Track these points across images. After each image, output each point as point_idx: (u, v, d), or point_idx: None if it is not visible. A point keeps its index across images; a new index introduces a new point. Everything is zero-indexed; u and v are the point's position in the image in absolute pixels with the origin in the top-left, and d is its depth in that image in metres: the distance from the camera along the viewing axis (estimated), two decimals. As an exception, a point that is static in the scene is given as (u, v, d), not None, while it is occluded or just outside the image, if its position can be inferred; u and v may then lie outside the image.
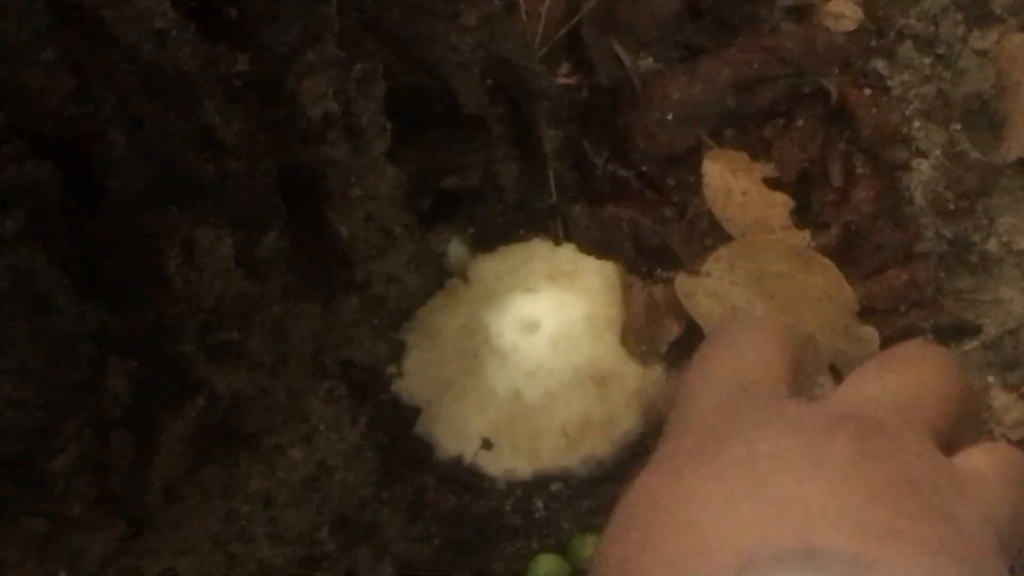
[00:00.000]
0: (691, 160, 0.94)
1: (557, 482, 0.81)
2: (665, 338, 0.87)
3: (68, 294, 0.68)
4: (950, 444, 0.63)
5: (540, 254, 0.89)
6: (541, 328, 0.84)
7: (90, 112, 0.69)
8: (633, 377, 0.85)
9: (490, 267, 0.89)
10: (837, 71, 0.97)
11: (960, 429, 0.65)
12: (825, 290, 0.85)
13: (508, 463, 0.82)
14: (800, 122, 0.95)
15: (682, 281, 0.88)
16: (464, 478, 0.81)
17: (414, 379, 0.85)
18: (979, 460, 0.63)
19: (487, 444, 0.81)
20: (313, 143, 0.80)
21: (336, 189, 0.81)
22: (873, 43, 0.98)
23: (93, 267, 0.71)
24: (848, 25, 0.98)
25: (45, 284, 0.67)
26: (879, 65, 0.98)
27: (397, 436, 0.85)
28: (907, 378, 0.64)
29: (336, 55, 0.80)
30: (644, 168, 0.93)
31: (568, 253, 0.89)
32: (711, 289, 0.87)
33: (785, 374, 0.65)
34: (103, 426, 0.70)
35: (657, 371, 0.86)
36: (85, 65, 0.70)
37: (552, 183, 0.92)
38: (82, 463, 0.68)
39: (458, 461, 0.81)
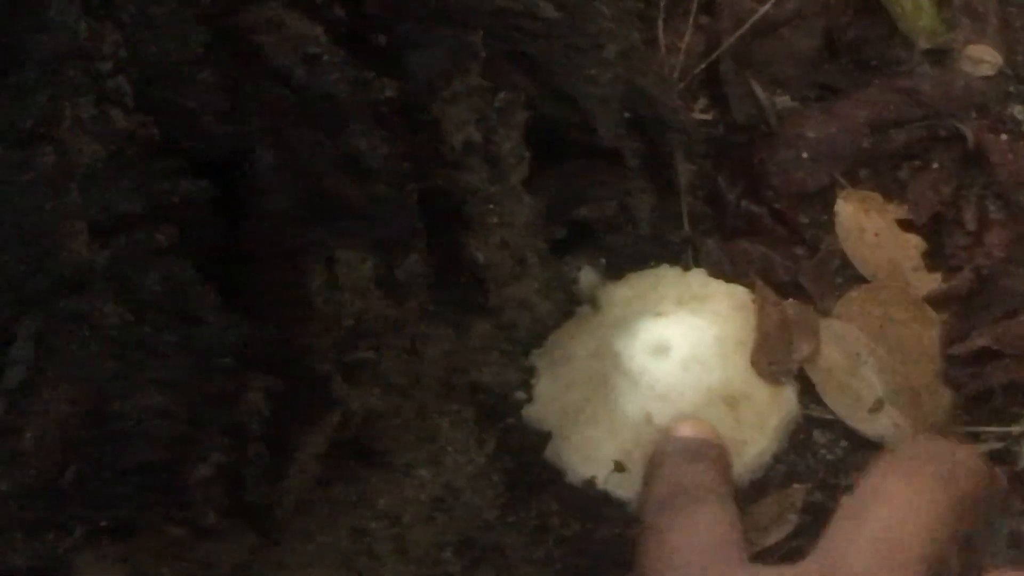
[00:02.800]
0: (824, 199, 0.95)
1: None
2: (797, 357, 0.87)
3: (214, 308, 0.70)
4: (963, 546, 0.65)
5: (669, 279, 0.89)
6: (672, 351, 0.85)
7: (242, 132, 0.71)
8: (763, 399, 0.85)
9: (620, 293, 0.89)
10: (974, 115, 0.96)
11: (969, 528, 0.67)
12: (928, 347, 0.85)
13: (640, 486, 0.81)
14: (935, 165, 0.95)
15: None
16: (594, 503, 0.82)
17: (544, 404, 0.86)
18: None
19: (619, 467, 0.81)
20: (454, 169, 0.81)
21: (474, 215, 0.82)
22: (1011, 88, 0.98)
23: (238, 283, 0.72)
24: (987, 70, 0.98)
25: (193, 297, 0.69)
26: (1016, 111, 0.97)
27: (522, 461, 0.86)
28: (890, 516, 0.66)
29: (480, 84, 0.82)
30: (777, 205, 0.94)
31: (698, 277, 0.89)
32: (838, 333, 0.87)
33: (738, 541, 0.70)
34: (241, 439, 0.71)
35: (787, 392, 0.85)
36: (239, 86, 0.72)
37: (685, 217, 0.92)
38: (220, 474, 0.69)
39: (591, 485, 0.81)
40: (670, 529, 0.72)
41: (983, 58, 0.97)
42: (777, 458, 0.84)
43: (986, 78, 0.97)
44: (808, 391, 0.86)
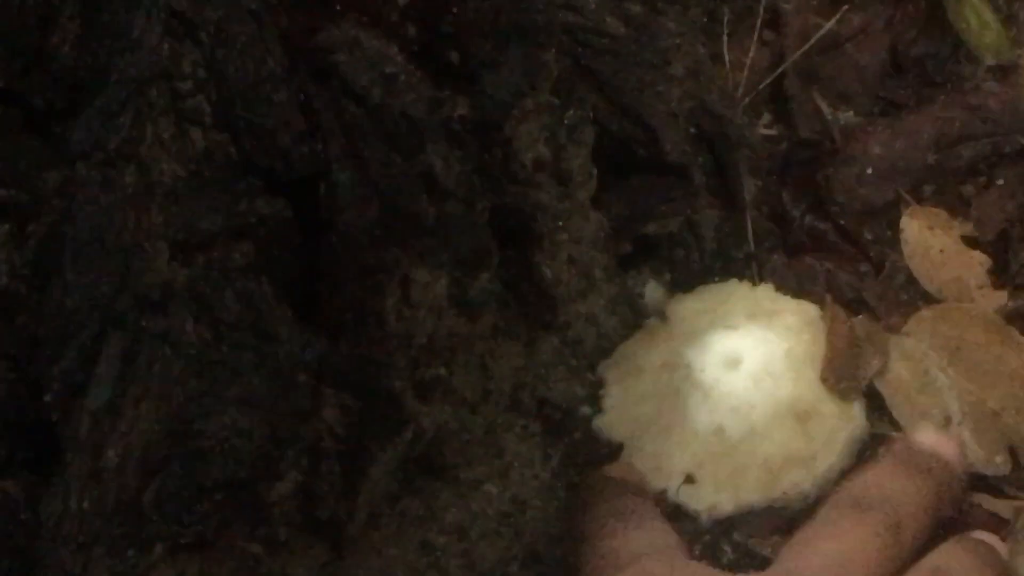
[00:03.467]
0: (889, 215, 0.95)
1: (757, 517, 0.82)
2: (866, 373, 0.87)
3: (291, 325, 0.70)
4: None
5: (739, 293, 0.90)
6: (743, 364, 0.85)
7: (319, 151, 0.72)
8: (832, 414, 0.84)
9: (689, 305, 0.90)
10: (1039, 131, 0.96)
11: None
12: (1018, 368, 0.85)
13: (711, 498, 0.82)
14: (1000, 181, 0.95)
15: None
16: (667, 514, 0.82)
17: (615, 415, 0.86)
18: None
19: (690, 479, 0.82)
20: (524, 187, 0.81)
21: (544, 232, 0.83)
22: (1076, 103, 0.98)
23: (314, 301, 0.73)
24: (1052, 85, 0.98)
25: (270, 315, 0.70)
26: (1082, 127, 0.97)
27: (588, 475, 0.86)
28: (845, 544, 0.72)
29: (550, 101, 0.82)
30: (842, 221, 0.94)
31: (767, 292, 0.90)
32: (908, 351, 0.87)
33: (678, 543, 0.76)
34: (315, 455, 0.71)
35: (855, 408, 0.85)
36: (316, 106, 0.72)
37: (749, 232, 0.93)
38: (297, 491, 0.69)
39: (662, 496, 0.82)
40: (620, 531, 0.77)
41: (1048, 73, 0.97)
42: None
43: (1051, 93, 0.96)
44: (877, 408, 0.86)
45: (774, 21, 1.00)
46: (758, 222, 0.92)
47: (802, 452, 0.83)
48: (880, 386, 0.86)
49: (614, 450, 0.85)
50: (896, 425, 0.85)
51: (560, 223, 0.84)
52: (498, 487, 0.83)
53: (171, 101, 0.68)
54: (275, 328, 0.69)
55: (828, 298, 0.88)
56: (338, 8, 0.75)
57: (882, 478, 0.78)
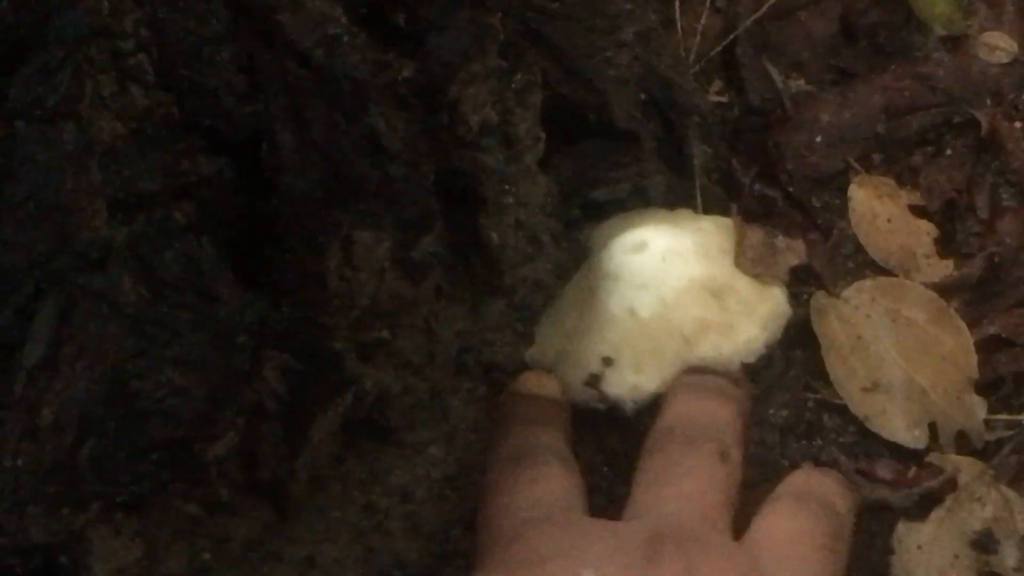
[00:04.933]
0: (838, 183, 0.95)
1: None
2: (784, 264, 0.88)
3: (232, 286, 0.70)
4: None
5: (656, 213, 0.89)
6: (649, 247, 0.85)
7: (262, 112, 0.72)
8: (750, 291, 0.85)
9: (607, 225, 0.89)
10: (989, 102, 0.97)
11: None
12: (952, 350, 0.86)
13: (631, 379, 0.82)
14: (949, 151, 0.95)
15: (819, 299, 0.89)
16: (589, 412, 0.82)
17: (541, 342, 0.87)
18: (767, 530, 0.74)
19: (607, 362, 0.82)
20: (470, 150, 0.81)
21: (490, 196, 0.83)
22: (1027, 75, 0.98)
23: (256, 262, 0.73)
24: (1002, 57, 0.98)
25: (211, 275, 0.69)
26: (1031, 98, 0.98)
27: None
28: (700, 485, 0.74)
29: (498, 65, 0.82)
30: (791, 189, 0.94)
31: (684, 212, 0.90)
32: (845, 315, 0.88)
33: (582, 494, 0.76)
34: (256, 416, 0.71)
35: (775, 290, 0.86)
36: (259, 66, 0.72)
37: (699, 199, 0.93)
38: (236, 452, 0.69)
39: (588, 389, 0.82)
40: (514, 487, 0.76)
41: (999, 45, 0.97)
42: (782, 428, 0.83)
43: (1002, 65, 0.97)
44: (819, 375, 0.86)
45: (727, -12, 1.00)
46: (707, 188, 0.93)
47: (719, 320, 0.83)
48: (821, 339, 0.86)
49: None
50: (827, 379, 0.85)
51: (507, 187, 0.84)
52: (443, 450, 0.84)
53: (112, 59, 0.68)
54: (216, 288, 0.69)
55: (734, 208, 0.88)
56: (284, -32, 0.75)
57: (697, 407, 0.78)
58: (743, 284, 0.85)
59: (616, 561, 0.68)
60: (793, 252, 0.86)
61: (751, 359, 0.84)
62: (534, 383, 0.82)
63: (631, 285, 0.84)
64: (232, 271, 0.71)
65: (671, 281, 0.83)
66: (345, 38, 0.73)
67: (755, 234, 0.86)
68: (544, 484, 0.77)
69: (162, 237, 0.69)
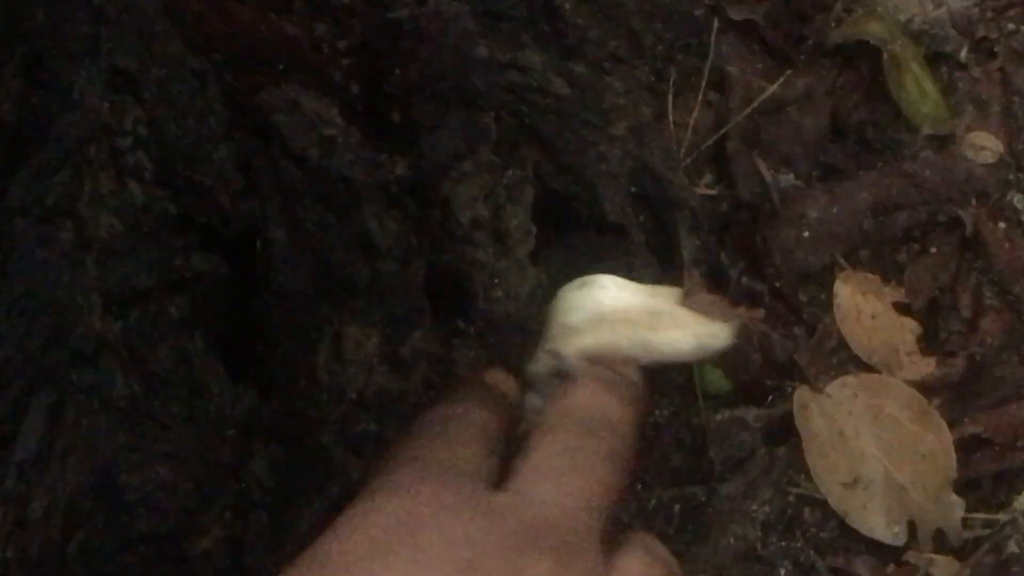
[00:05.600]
0: (824, 279, 0.97)
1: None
2: (734, 314, 0.84)
3: (222, 380, 0.71)
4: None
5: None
6: (593, 283, 0.83)
7: (256, 210, 0.73)
8: (690, 316, 0.82)
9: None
10: (974, 202, 0.98)
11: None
12: (932, 448, 0.87)
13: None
14: (934, 250, 0.97)
15: (802, 394, 0.90)
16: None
17: None
18: (630, 566, 0.70)
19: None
20: (461, 245, 0.82)
21: (479, 290, 0.84)
22: (1011, 177, 1.00)
23: (247, 356, 0.74)
24: (988, 157, 1.00)
25: (201, 369, 0.71)
26: (1016, 199, 0.99)
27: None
28: (588, 483, 0.71)
29: (490, 161, 0.83)
30: (778, 283, 0.95)
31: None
32: (827, 410, 0.89)
33: (487, 466, 0.73)
34: (243, 507, 0.72)
35: (718, 325, 0.82)
36: (254, 165, 0.74)
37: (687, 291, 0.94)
38: (222, 545, 0.70)
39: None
40: (425, 439, 0.74)
41: (985, 145, 0.99)
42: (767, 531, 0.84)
43: (987, 166, 0.99)
44: (801, 469, 0.88)
45: (719, 83, 1.01)
46: (695, 281, 0.93)
47: (645, 333, 0.81)
48: (802, 431, 0.87)
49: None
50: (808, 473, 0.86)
51: (496, 280, 0.85)
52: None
53: (111, 156, 0.69)
54: (207, 382, 0.71)
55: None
56: (281, 68, 0.76)
57: (601, 400, 0.77)
58: (684, 312, 0.83)
59: (488, 542, 0.68)
60: (742, 313, 0.87)
61: (672, 358, 0.81)
62: (495, 377, 0.82)
63: (564, 315, 0.83)
64: (223, 365, 0.72)
65: (609, 303, 0.82)
66: (340, 139, 0.74)
67: (707, 295, 0.87)
68: (457, 446, 0.74)
69: (155, 332, 0.70)
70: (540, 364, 0.81)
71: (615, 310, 0.81)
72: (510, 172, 0.85)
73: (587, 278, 0.83)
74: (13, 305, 0.66)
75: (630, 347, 0.79)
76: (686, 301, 0.81)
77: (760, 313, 0.85)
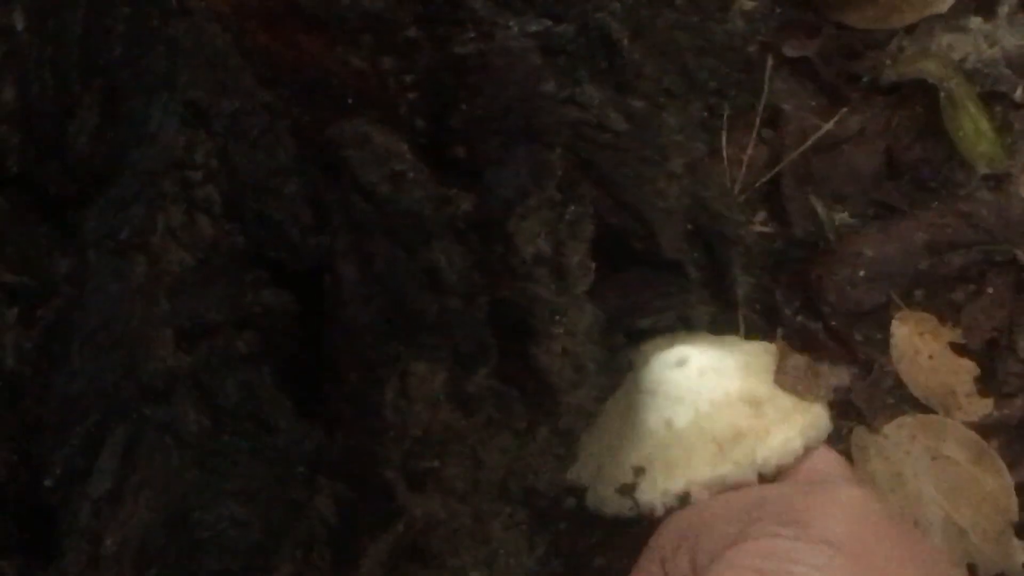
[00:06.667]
0: (880, 318, 0.96)
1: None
2: (826, 385, 0.86)
3: (289, 416, 0.71)
4: None
5: (701, 335, 0.90)
6: (689, 363, 0.84)
7: (326, 245, 0.73)
8: (790, 404, 0.83)
9: (651, 344, 0.90)
10: (1031, 242, 0.98)
11: None
12: (992, 491, 0.87)
13: (662, 485, 0.81)
14: (990, 290, 0.96)
15: (860, 435, 0.89)
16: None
17: (581, 459, 0.87)
18: None
19: (639, 472, 0.81)
20: (523, 281, 0.82)
21: (540, 326, 0.83)
22: (1067, 217, 0.99)
23: (312, 391, 0.73)
24: (1044, 195, 0.99)
25: (269, 404, 0.70)
26: (1072, 239, 0.99)
27: (571, 564, 0.87)
28: None
29: (552, 197, 0.83)
30: (833, 322, 0.95)
31: (731, 337, 0.90)
32: (885, 451, 0.88)
33: None
34: (308, 543, 0.72)
35: (816, 407, 0.83)
36: (324, 200, 0.73)
37: (742, 329, 0.93)
38: (291, 581, 0.70)
39: (619, 499, 0.82)
40: None
41: (1040, 183, 0.99)
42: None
43: (1043, 204, 0.98)
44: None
45: (773, 120, 1.01)
46: (750, 319, 0.93)
47: (755, 427, 0.81)
48: (858, 472, 0.87)
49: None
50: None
51: (557, 316, 0.85)
52: (483, 574, 0.84)
53: (182, 190, 0.69)
54: (274, 418, 0.70)
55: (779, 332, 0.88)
56: (349, 102, 0.76)
57: None
58: (783, 398, 0.84)
59: None
60: (835, 375, 0.87)
61: (788, 460, 0.81)
62: None
63: (668, 398, 0.84)
64: (291, 401, 0.72)
65: (707, 393, 0.83)
66: (409, 174, 0.74)
67: (797, 357, 0.87)
68: None
69: (224, 367, 0.70)
70: (613, 504, 0.82)
71: (713, 403, 0.80)
72: (571, 208, 0.85)
73: (681, 350, 0.83)
74: (87, 339, 0.65)
75: (738, 475, 0.79)
76: (780, 369, 0.81)
77: (845, 377, 0.84)
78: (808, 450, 0.80)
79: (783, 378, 0.84)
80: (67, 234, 0.68)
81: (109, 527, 0.65)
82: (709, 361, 0.84)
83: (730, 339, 0.89)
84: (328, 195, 0.73)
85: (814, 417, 0.82)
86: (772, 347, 0.87)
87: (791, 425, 0.81)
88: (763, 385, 0.84)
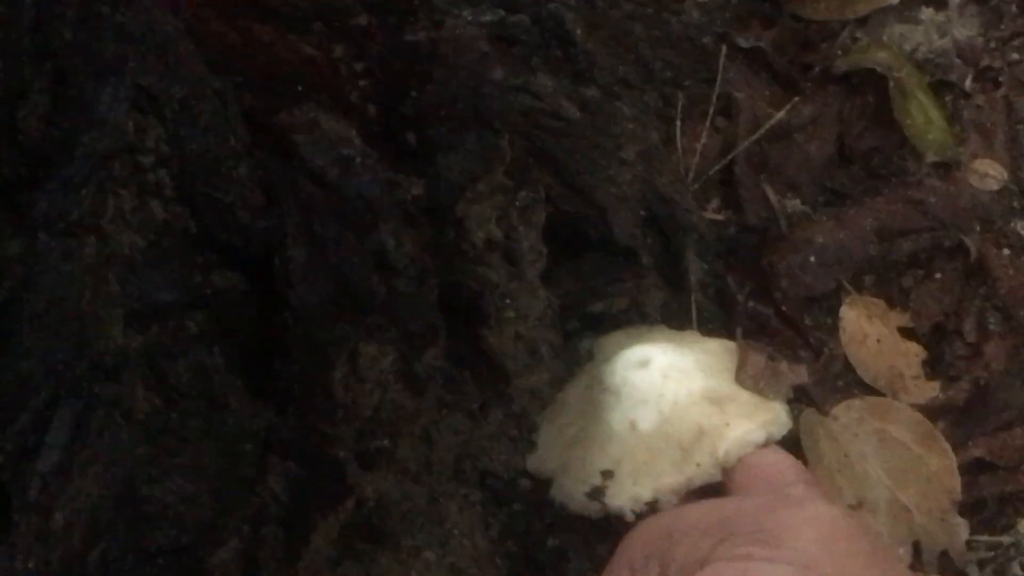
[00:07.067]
0: (830, 303, 0.97)
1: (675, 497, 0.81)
2: (785, 384, 0.86)
3: (241, 395, 0.72)
4: None
5: (662, 333, 0.91)
6: (652, 364, 0.84)
7: (276, 228, 0.74)
8: (751, 401, 0.84)
9: (612, 339, 0.91)
10: (978, 228, 0.99)
11: None
12: (937, 471, 0.88)
13: (630, 490, 0.82)
14: (938, 275, 0.98)
15: (808, 417, 0.91)
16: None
17: (543, 450, 0.88)
18: None
19: (607, 475, 0.82)
20: (474, 265, 0.83)
21: (492, 309, 0.85)
22: (1015, 204, 1.01)
23: (263, 371, 0.75)
24: (992, 184, 1.01)
25: (221, 384, 0.72)
26: (1019, 226, 1.00)
27: (526, 545, 0.88)
28: None
29: (503, 183, 0.84)
30: (784, 307, 0.96)
31: (691, 333, 0.91)
32: (833, 433, 0.90)
33: None
34: (258, 521, 0.73)
35: (777, 405, 0.84)
36: (274, 183, 0.74)
37: (694, 314, 0.95)
38: (239, 557, 0.71)
39: (590, 502, 0.82)
40: None
41: (989, 172, 1.00)
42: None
43: (991, 192, 1.00)
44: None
45: (727, 108, 1.02)
46: (703, 304, 0.95)
47: (714, 423, 0.82)
48: (809, 457, 0.88)
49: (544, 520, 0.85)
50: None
51: (508, 300, 0.86)
52: (437, 554, 0.85)
53: (133, 174, 0.70)
54: (225, 397, 0.71)
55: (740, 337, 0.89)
56: (300, 88, 0.77)
57: None
58: (744, 396, 0.85)
59: None
60: (795, 374, 0.88)
61: (748, 451, 0.82)
62: None
63: (632, 400, 0.84)
64: (242, 380, 0.73)
65: (670, 395, 0.84)
66: (358, 159, 0.75)
67: (758, 355, 0.88)
68: None
69: (175, 347, 0.71)
70: (581, 506, 0.83)
71: (676, 404, 0.82)
72: (523, 194, 0.86)
73: (643, 350, 0.84)
74: (37, 318, 0.66)
75: (703, 475, 0.80)
76: (740, 368, 0.82)
77: (804, 375, 0.85)
78: (769, 442, 0.81)
79: (744, 377, 0.85)
80: (18, 216, 0.68)
81: (58, 502, 0.66)
82: (671, 361, 0.85)
83: (689, 335, 0.91)
84: (278, 179, 0.74)
85: (775, 414, 0.83)
86: (732, 345, 0.88)
87: (751, 420, 0.82)
88: (725, 384, 0.85)
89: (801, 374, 0.87)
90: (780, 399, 0.84)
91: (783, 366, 0.86)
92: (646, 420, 0.83)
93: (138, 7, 0.70)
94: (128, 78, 0.70)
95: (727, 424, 0.81)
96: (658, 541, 0.74)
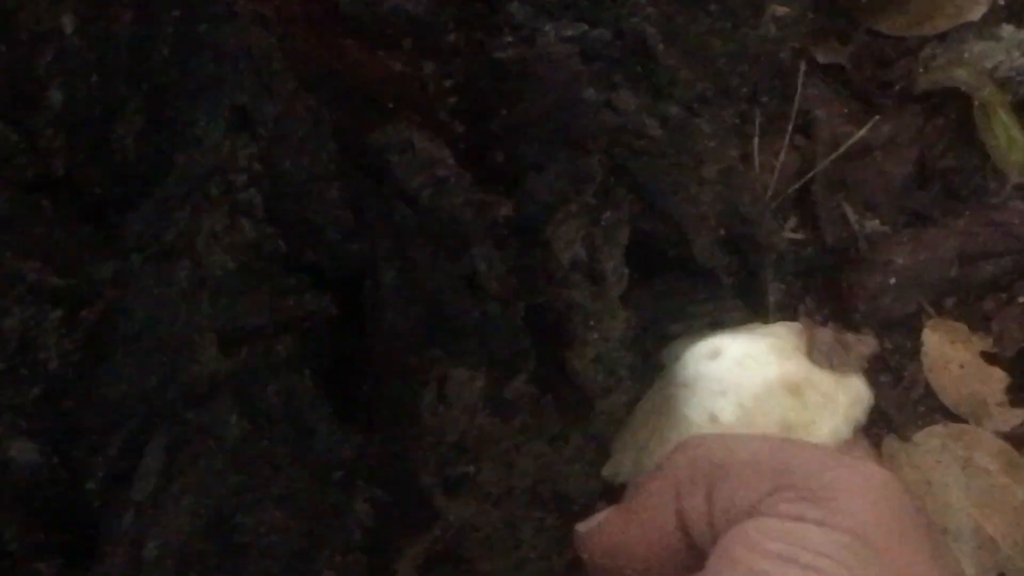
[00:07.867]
0: (910, 326, 0.96)
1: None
2: (857, 355, 0.85)
3: (329, 420, 0.71)
4: None
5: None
6: (724, 353, 0.84)
7: (366, 250, 0.73)
8: (829, 384, 0.82)
9: (680, 342, 0.90)
10: (1062, 252, 0.98)
11: None
12: (1023, 502, 0.87)
13: None
14: (1021, 299, 0.96)
15: (891, 443, 0.89)
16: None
17: (617, 456, 0.86)
18: None
19: None
20: (560, 287, 0.82)
21: (576, 331, 0.83)
22: (1100, 226, 0.99)
23: (351, 395, 0.73)
24: (1076, 207, 0.99)
25: (309, 409, 0.70)
26: (1105, 250, 0.99)
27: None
28: None
29: (590, 203, 0.83)
30: (863, 330, 0.94)
31: (756, 323, 0.89)
32: (916, 460, 0.88)
33: None
34: (345, 550, 0.72)
35: (854, 380, 0.83)
36: (366, 204, 0.73)
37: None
38: (329, 586, 0.70)
39: None
40: None
41: (1073, 194, 0.99)
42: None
43: (1076, 215, 0.98)
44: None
45: (805, 127, 1.01)
46: (809, 321, 0.93)
47: (800, 419, 0.81)
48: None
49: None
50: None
51: (592, 322, 0.84)
52: (513, 579, 0.84)
53: (226, 193, 0.69)
54: (315, 423, 0.70)
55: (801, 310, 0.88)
56: (390, 106, 0.76)
57: None
58: (820, 378, 0.83)
59: None
60: (864, 344, 0.86)
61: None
62: None
63: (709, 392, 0.83)
64: (330, 405, 0.72)
65: (748, 386, 0.82)
66: (452, 180, 0.74)
67: (825, 332, 0.86)
68: None
69: (264, 371, 0.70)
70: None
71: (756, 397, 0.80)
72: (607, 214, 0.85)
73: (713, 342, 0.82)
74: (130, 342, 0.65)
75: None
76: (810, 346, 0.80)
77: (873, 344, 0.83)
78: (856, 432, 0.80)
79: (817, 355, 0.83)
80: (111, 237, 0.68)
81: (151, 531, 0.64)
82: (743, 349, 0.84)
83: (754, 324, 0.89)
84: (369, 200, 0.73)
85: (854, 392, 0.82)
86: (797, 326, 0.87)
87: (835, 410, 0.81)
88: (799, 366, 0.83)
89: (870, 343, 0.85)
90: (855, 371, 0.83)
91: (851, 338, 0.84)
92: (727, 412, 0.81)
93: (235, 24, 0.68)
94: (225, 97, 0.68)
95: (813, 420, 0.80)
96: (707, 467, 0.72)
